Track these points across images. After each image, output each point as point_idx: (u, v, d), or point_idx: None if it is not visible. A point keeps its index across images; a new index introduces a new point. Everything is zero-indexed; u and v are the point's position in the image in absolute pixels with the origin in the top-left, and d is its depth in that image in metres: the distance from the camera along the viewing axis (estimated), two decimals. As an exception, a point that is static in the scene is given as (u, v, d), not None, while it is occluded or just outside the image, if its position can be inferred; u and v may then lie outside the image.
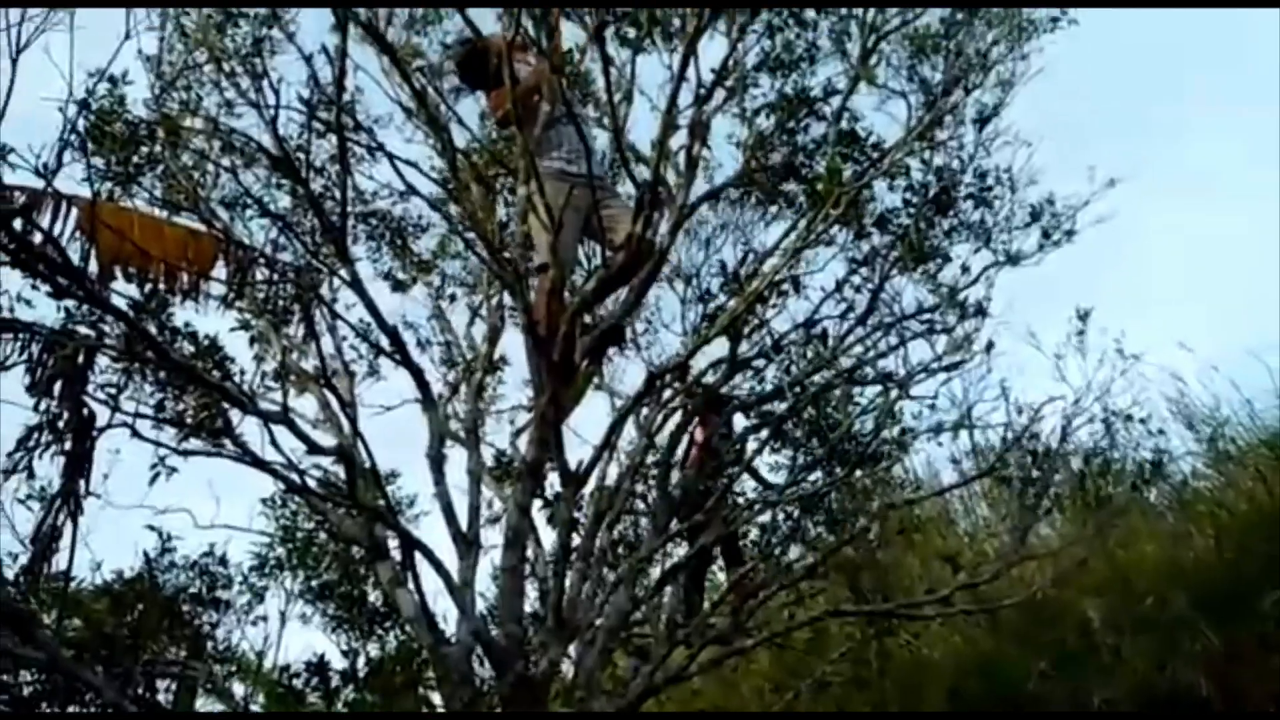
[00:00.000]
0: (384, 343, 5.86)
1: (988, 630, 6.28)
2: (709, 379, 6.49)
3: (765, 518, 6.53)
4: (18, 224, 4.07)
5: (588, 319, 5.05)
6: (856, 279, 6.38)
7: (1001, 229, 6.16)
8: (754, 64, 5.96)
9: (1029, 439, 6.02)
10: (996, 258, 6.19)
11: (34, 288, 4.28)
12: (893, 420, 6.18)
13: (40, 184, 4.00)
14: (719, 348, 6.46)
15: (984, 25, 5.63)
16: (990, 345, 6.05)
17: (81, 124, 4.59)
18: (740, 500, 6.61)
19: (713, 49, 5.52)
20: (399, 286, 6.89)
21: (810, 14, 5.75)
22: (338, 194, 5.03)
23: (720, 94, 5.61)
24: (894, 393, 6.19)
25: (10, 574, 4.90)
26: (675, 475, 6.39)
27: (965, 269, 6.18)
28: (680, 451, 6.53)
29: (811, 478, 6.35)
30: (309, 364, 5.67)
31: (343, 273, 5.26)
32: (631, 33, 5.45)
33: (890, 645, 6.43)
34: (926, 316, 6.28)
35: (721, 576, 7.34)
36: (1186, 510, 6.59)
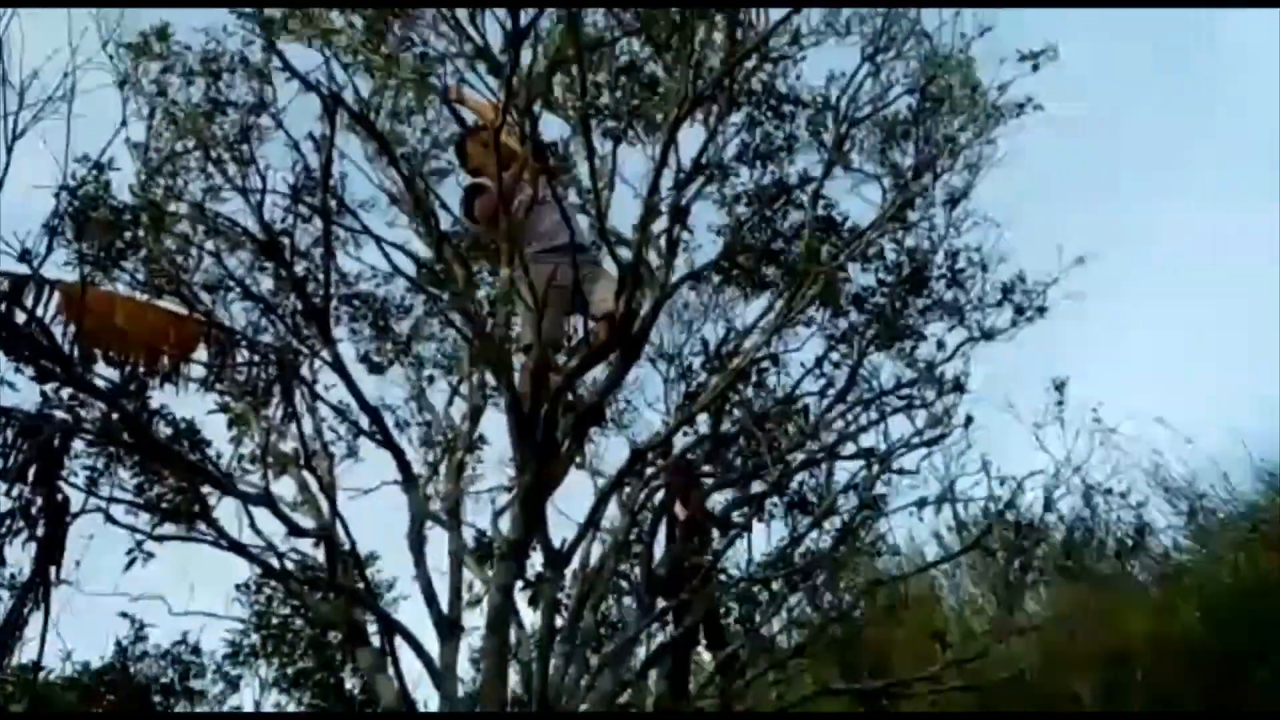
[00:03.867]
0: (364, 423, 5.85)
1: (978, 706, 6.19)
2: (692, 455, 6.49)
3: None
4: (2, 307, 4.06)
5: (570, 397, 5.06)
6: (835, 355, 6.48)
7: (975, 306, 6.30)
8: (734, 154, 6.13)
9: (1011, 511, 6.03)
10: (971, 334, 6.31)
11: (17, 370, 4.26)
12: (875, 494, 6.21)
13: (25, 269, 4.05)
14: (702, 424, 6.52)
15: (950, 113, 5.83)
16: (970, 419, 6.12)
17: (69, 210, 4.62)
18: (724, 578, 6.54)
19: (694, 137, 5.66)
20: (376, 369, 6.88)
21: (788, 107, 5.94)
22: (321, 276, 5.07)
23: (700, 179, 5.76)
24: (875, 467, 6.21)
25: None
26: (659, 552, 6.33)
27: (941, 345, 6.30)
28: (663, 528, 6.49)
29: (796, 552, 6.32)
30: (288, 446, 5.63)
31: (324, 354, 5.27)
32: (613, 124, 5.64)
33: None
34: (905, 392, 6.35)
35: (706, 656, 7.20)
36: (1172, 583, 6.61)
